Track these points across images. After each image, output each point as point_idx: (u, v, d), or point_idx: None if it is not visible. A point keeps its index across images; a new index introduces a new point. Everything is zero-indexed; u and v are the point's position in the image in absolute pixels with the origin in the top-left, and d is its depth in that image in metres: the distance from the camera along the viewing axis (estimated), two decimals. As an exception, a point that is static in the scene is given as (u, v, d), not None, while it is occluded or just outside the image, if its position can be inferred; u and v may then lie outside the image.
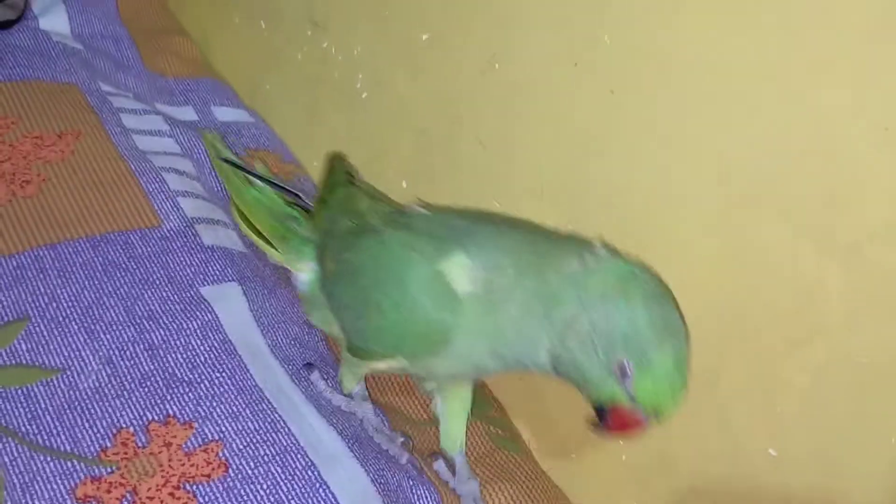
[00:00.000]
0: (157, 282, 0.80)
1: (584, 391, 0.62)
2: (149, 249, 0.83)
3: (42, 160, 0.90)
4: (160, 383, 0.72)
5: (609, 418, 0.61)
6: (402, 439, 0.77)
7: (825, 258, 0.70)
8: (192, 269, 0.83)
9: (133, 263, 0.81)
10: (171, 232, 0.86)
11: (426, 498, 0.74)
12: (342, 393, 0.79)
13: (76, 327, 0.75)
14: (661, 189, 0.80)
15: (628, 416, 0.60)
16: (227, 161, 0.90)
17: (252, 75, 1.22)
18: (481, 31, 0.92)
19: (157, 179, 0.90)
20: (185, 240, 0.85)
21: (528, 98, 0.88)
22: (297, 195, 0.85)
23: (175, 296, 0.80)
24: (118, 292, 0.78)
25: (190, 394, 0.72)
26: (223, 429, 0.70)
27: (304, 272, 0.80)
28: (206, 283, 0.82)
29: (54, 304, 0.76)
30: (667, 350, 0.59)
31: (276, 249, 0.83)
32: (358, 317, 0.72)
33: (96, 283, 0.79)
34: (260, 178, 0.87)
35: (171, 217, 0.87)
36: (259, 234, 0.84)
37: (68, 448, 0.67)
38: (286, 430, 0.72)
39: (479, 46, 0.92)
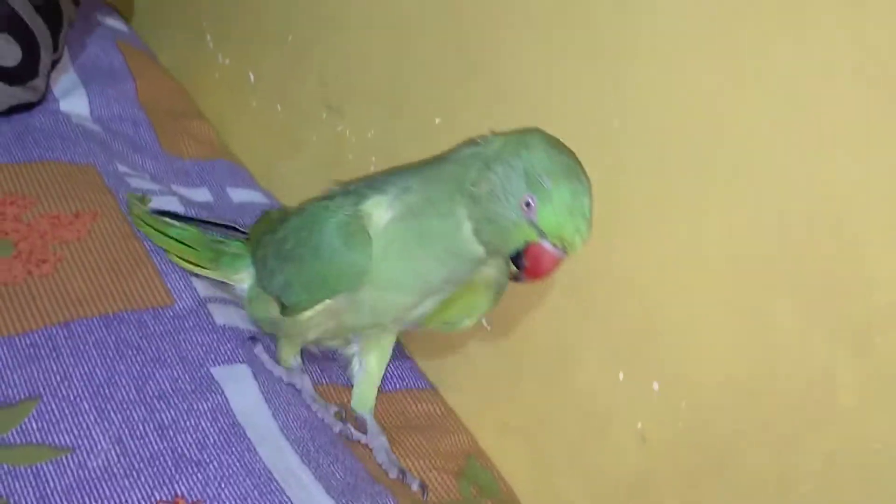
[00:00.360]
0: (169, 361, 0.81)
1: (504, 246, 0.69)
2: (161, 328, 0.84)
3: (58, 240, 0.91)
4: (169, 463, 0.72)
5: (526, 260, 0.68)
6: (335, 409, 0.85)
7: (836, 342, 0.70)
8: (204, 349, 0.83)
9: (145, 342, 0.82)
10: (184, 311, 0.86)
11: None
12: (282, 366, 0.87)
13: (87, 406, 0.75)
14: (671, 272, 0.80)
15: (541, 252, 0.67)
16: (156, 212, 0.97)
17: (268, 157, 1.24)
18: (494, 115, 0.93)
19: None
20: (197, 319, 0.86)
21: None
22: (232, 227, 0.95)
23: (186, 375, 0.80)
24: (130, 371, 0.79)
25: (199, 474, 0.72)
26: (231, 510, 0.70)
27: (244, 280, 0.88)
28: (217, 363, 0.82)
29: (66, 383, 0.76)
30: (563, 183, 0.66)
31: (212, 270, 0.90)
32: (287, 278, 0.79)
33: (109, 361, 0.79)
34: (186, 218, 0.97)
35: (185, 296, 0.87)
36: (194, 264, 0.91)
37: (75, 529, 0.67)
38: (294, 511, 0.71)
39: (490, 125, 0.93)
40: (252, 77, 1.26)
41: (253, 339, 0.87)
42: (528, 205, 0.66)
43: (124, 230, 0.94)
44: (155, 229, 0.94)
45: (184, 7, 1.41)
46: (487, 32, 0.94)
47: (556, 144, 0.68)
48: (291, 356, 0.87)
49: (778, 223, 0.72)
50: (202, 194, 1.12)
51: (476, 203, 0.68)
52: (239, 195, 1.15)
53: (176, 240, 0.92)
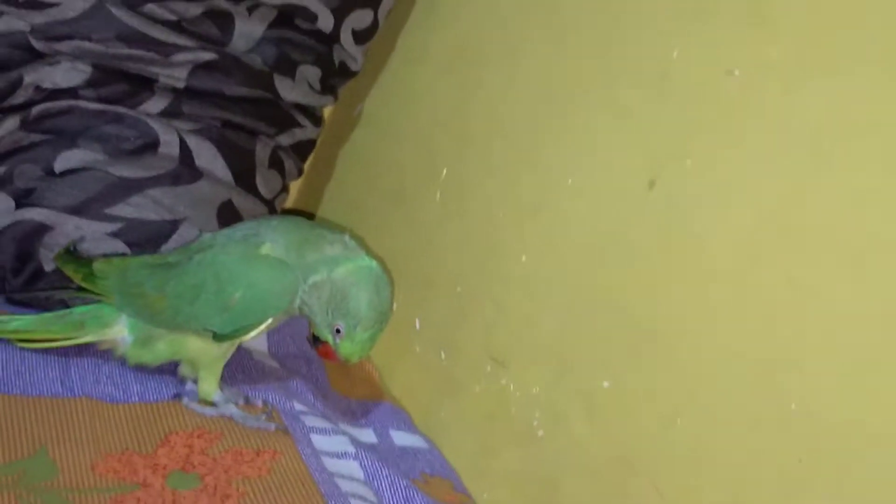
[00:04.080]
0: None
1: (312, 326, 0.98)
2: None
3: (241, 475, 0.96)
4: None
5: (320, 345, 0.98)
6: (265, 415, 1.06)
7: None
8: None
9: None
10: (355, 558, 0.88)
11: None
12: (208, 404, 1.04)
13: None
14: None
15: (330, 353, 0.97)
16: None
17: (428, 402, 1.28)
18: (664, 383, 0.96)
19: (345, 506, 0.95)
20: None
21: (711, 455, 0.90)
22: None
23: None
24: None
25: None
26: None
27: (121, 331, 1.03)
28: None
29: None
30: (367, 331, 0.95)
31: (81, 336, 1.03)
32: (220, 311, 0.98)
33: None
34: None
35: (356, 544, 0.90)
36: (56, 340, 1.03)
37: None
38: None
39: (662, 399, 0.96)
40: (418, 323, 1.32)
41: (178, 396, 1.05)
42: (337, 331, 0.94)
43: (301, 471, 0.98)
44: None
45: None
46: (658, 302, 0.98)
47: (380, 290, 0.95)
48: (215, 387, 1.04)
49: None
50: (367, 435, 1.16)
51: (309, 298, 0.95)
52: (401, 438, 1.18)
53: (23, 332, 1.03)
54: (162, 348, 1.04)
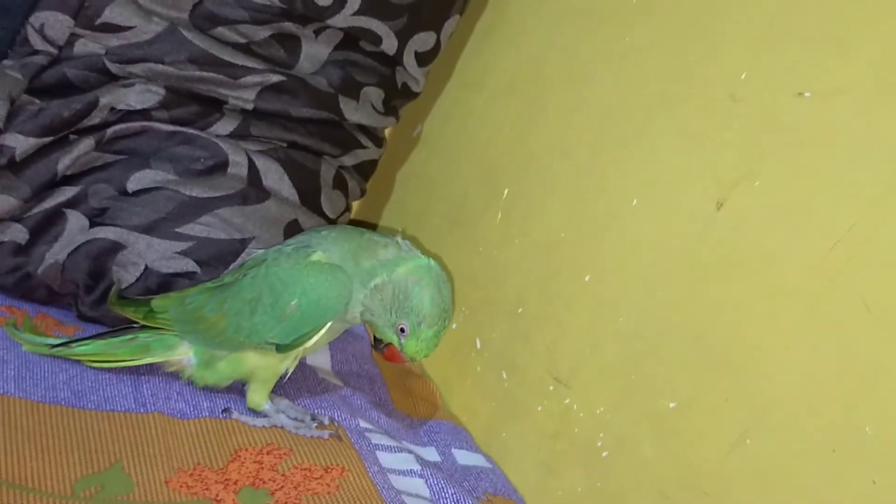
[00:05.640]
0: None
1: (376, 331, 1.00)
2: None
3: (311, 492, 0.97)
4: None
5: (385, 349, 1.00)
6: (314, 423, 1.07)
7: None
8: None
9: None
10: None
11: None
12: (259, 415, 1.06)
13: None
14: None
15: (396, 355, 1.00)
16: (53, 347, 1.07)
17: (489, 422, 1.29)
18: (733, 404, 0.95)
19: (415, 524, 0.95)
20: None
21: (782, 480, 0.90)
22: (126, 328, 1.09)
23: None
24: None
25: None
26: None
27: (186, 353, 1.06)
28: None
29: None
30: (432, 328, 0.96)
31: (146, 358, 1.06)
32: (279, 321, 0.99)
33: None
34: (80, 339, 1.07)
35: (426, 562, 0.90)
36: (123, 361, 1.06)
37: None
38: None
39: (731, 420, 0.95)
40: (479, 343, 1.33)
41: (226, 409, 1.07)
42: (402, 330, 0.97)
43: (369, 489, 0.99)
44: (63, 355, 1.06)
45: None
46: (727, 323, 0.98)
47: (441, 287, 0.97)
48: (265, 399, 1.06)
49: None
50: (431, 454, 1.17)
51: (371, 302, 0.98)
52: (464, 457, 1.19)
53: (90, 355, 1.06)
54: (224, 367, 1.06)
